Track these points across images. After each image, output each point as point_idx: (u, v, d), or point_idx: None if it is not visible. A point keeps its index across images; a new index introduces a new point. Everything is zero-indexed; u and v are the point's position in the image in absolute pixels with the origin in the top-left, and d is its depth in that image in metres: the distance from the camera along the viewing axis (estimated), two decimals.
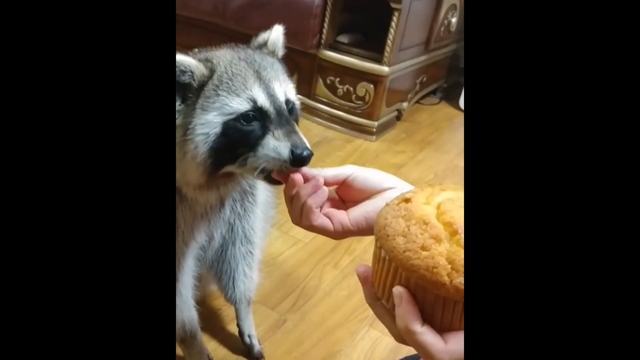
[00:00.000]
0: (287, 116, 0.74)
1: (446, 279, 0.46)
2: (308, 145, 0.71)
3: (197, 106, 0.71)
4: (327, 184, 0.69)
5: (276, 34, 0.86)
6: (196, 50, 0.80)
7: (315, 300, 1.33)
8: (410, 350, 1.20)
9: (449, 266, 0.46)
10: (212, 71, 0.73)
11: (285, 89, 0.77)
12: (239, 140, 0.71)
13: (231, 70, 0.73)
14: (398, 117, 2.49)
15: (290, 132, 0.72)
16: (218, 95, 0.71)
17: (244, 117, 0.71)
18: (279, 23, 0.87)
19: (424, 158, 2.23)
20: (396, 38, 2.09)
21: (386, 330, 1.30)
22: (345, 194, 0.70)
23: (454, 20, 2.57)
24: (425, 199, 0.52)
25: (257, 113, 0.72)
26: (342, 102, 2.26)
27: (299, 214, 0.68)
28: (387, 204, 0.55)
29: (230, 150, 0.71)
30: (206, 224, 0.87)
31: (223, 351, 1.14)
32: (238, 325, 1.12)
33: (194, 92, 0.72)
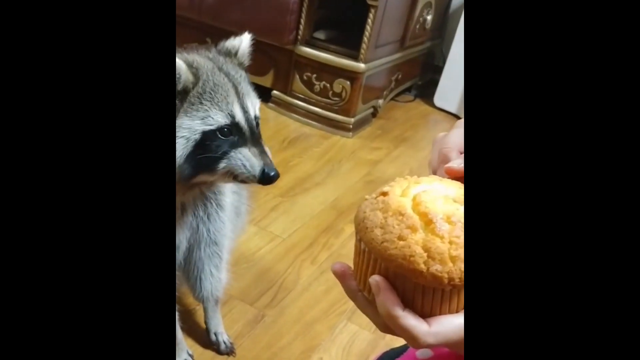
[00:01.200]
0: (257, 134, 0.81)
1: (423, 266, 0.47)
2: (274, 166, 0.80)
3: (180, 110, 0.74)
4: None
5: (245, 43, 0.90)
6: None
7: (293, 295, 1.33)
8: (389, 344, 1.22)
9: (425, 254, 0.48)
10: (197, 78, 0.76)
11: (254, 106, 0.83)
12: (214, 149, 0.76)
13: (213, 81, 0.78)
14: (374, 114, 2.51)
15: (262, 153, 0.79)
16: (202, 103, 0.76)
17: (221, 130, 0.76)
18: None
19: (400, 154, 2.26)
20: (372, 35, 2.11)
21: (364, 324, 1.32)
22: None
23: (429, 17, 2.60)
24: (401, 192, 0.53)
25: (233, 128, 0.77)
26: (319, 98, 2.26)
27: None
28: (366, 198, 0.57)
29: (205, 157, 0.76)
30: None
31: (199, 348, 1.13)
32: (205, 323, 1.13)
33: (178, 95, 0.75)
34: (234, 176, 0.79)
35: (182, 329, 1.09)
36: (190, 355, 1.07)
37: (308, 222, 1.65)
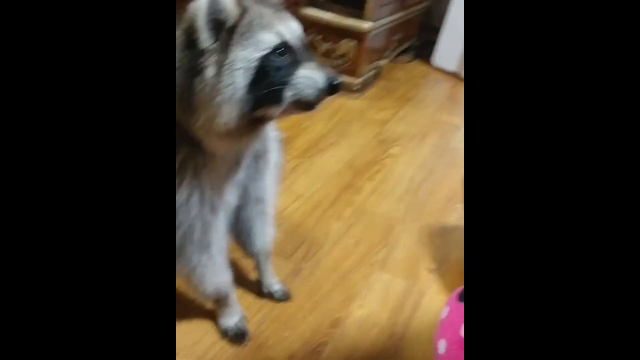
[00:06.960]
0: (309, 51, 0.80)
1: None
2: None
3: (233, 43, 0.74)
4: None
5: None
6: None
7: (325, 249, 1.36)
8: (422, 290, 1.25)
9: None
10: (243, 9, 0.76)
11: (298, 28, 0.82)
12: (274, 73, 0.76)
13: (259, 11, 0.78)
14: (376, 75, 2.51)
15: (320, 65, 0.78)
16: (252, 31, 0.75)
17: (276, 49, 0.76)
18: None
19: (407, 114, 2.28)
20: None
21: (397, 272, 1.34)
22: None
23: None
24: None
25: (286, 47, 0.77)
26: (325, 60, 2.26)
27: None
28: None
29: (267, 84, 0.76)
30: (230, 183, 0.90)
31: (248, 298, 1.17)
32: (260, 277, 1.18)
33: (228, 30, 0.75)
34: (298, 102, 0.78)
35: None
36: (243, 316, 1.10)
37: (328, 180, 1.67)
